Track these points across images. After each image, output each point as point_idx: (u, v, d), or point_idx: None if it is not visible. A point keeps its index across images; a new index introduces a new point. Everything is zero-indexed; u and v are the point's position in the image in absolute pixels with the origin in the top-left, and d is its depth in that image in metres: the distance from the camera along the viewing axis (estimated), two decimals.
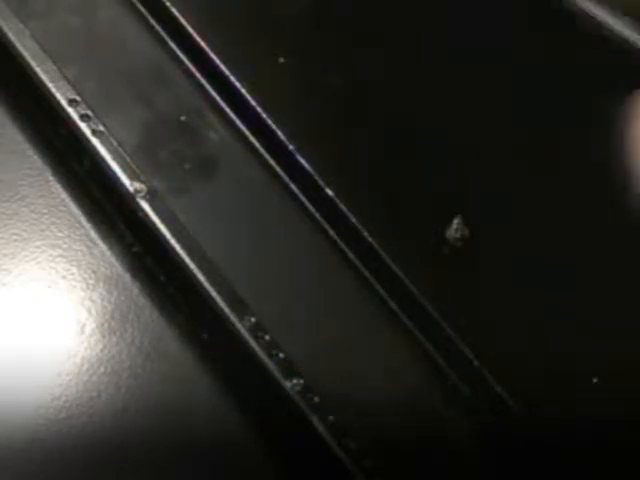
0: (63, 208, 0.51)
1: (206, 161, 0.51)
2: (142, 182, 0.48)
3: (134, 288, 0.49)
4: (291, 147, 0.51)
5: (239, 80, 0.53)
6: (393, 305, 0.49)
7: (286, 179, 0.52)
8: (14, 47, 0.52)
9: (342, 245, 0.50)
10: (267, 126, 0.52)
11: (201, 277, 0.47)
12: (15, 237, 0.49)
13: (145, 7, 0.55)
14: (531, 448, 0.45)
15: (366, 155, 0.53)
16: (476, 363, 0.47)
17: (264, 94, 0.52)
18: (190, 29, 0.54)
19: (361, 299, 0.49)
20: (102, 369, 0.47)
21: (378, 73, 0.55)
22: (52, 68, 0.51)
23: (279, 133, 0.52)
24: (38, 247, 0.49)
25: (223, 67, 0.53)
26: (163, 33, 0.56)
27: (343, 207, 0.50)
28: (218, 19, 0.55)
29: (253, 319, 0.46)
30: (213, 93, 0.54)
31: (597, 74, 0.56)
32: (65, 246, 0.50)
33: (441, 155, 0.53)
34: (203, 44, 0.54)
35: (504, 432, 0.46)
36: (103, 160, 0.49)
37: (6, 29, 0.52)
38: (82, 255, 0.50)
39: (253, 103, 0.52)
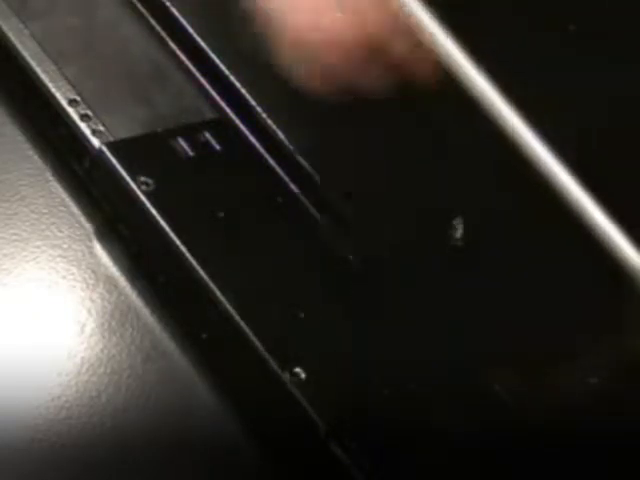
0: (63, 208, 0.51)
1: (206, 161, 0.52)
2: (142, 182, 0.48)
3: (134, 288, 0.49)
4: (291, 147, 0.51)
5: (239, 80, 0.53)
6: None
7: (286, 179, 0.52)
8: (14, 47, 0.52)
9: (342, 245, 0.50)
10: (267, 126, 0.52)
11: (202, 277, 0.47)
12: (15, 237, 0.49)
13: (145, 7, 0.55)
14: (531, 448, 0.45)
15: (366, 155, 0.53)
16: (476, 362, 0.47)
17: (264, 94, 0.52)
18: (190, 29, 0.54)
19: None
20: (102, 369, 0.47)
21: None
22: (52, 68, 0.51)
23: (279, 133, 0.52)
24: (38, 247, 0.49)
25: (223, 67, 0.53)
26: (163, 33, 0.56)
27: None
28: (218, 19, 0.55)
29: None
30: (213, 93, 0.54)
31: None
32: (65, 246, 0.50)
33: (441, 155, 0.53)
34: (203, 44, 0.54)
35: (504, 432, 0.46)
36: (103, 160, 0.49)
37: (6, 29, 0.52)
38: (82, 255, 0.50)
39: (253, 103, 0.52)
